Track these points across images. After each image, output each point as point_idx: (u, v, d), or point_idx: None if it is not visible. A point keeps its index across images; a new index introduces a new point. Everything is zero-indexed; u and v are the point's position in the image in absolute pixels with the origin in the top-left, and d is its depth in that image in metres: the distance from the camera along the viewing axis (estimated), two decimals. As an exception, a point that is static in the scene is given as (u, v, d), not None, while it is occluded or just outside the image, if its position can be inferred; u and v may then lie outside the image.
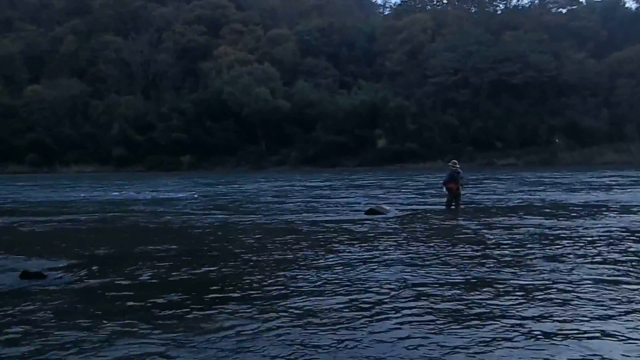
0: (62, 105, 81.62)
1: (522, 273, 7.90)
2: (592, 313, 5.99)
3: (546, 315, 5.93)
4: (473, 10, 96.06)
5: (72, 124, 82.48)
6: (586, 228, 12.52)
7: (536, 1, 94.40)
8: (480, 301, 6.50)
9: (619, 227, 12.52)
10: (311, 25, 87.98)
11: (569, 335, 5.31)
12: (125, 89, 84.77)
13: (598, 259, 8.85)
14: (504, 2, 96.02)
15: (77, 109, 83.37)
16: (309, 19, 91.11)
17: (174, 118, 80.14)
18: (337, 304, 6.49)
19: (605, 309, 6.13)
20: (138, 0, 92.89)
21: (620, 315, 5.90)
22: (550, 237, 11.18)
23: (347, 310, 6.25)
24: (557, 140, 75.45)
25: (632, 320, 5.72)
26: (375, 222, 14.42)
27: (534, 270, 8.06)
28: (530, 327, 5.54)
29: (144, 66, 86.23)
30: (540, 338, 5.26)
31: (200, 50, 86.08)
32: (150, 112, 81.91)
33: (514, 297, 6.65)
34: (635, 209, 16.56)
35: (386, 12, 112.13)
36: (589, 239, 10.92)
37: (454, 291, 6.96)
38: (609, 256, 9.07)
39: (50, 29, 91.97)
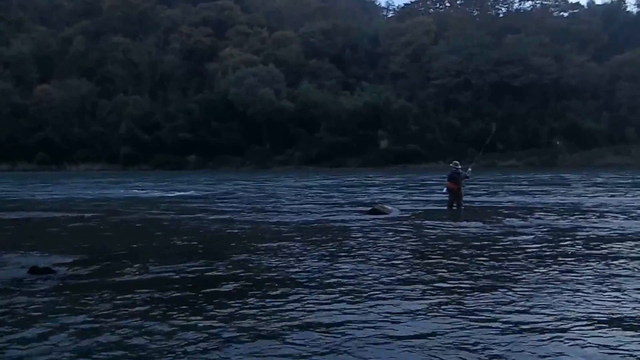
0: (71, 104, 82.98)
1: (525, 275, 7.85)
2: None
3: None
4: (475, 14, 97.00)
5: (81, 123, 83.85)
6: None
7: (538, 5, 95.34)
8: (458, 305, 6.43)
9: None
10: (315, 27, 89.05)
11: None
12: (132, 89, 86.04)
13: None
14: (506, 5, 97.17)
15: (85, 109, 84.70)
16: (313, 21, 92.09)
17: (180, 118, 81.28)
18: (323, 304, 6.45)
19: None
20: (146, 2, 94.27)
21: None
22: (552, 238, 11.18)
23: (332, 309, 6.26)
24: (557, 143, 75.75)
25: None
26: (376, 222, 14.28)
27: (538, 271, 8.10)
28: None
29: (151, 67, 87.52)
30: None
31: (207, 52, 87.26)
32: (157, 112, 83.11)
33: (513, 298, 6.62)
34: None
35: (389, 15, 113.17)
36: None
37: (446, 295, 6.87)
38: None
39: (60, 30, 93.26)
